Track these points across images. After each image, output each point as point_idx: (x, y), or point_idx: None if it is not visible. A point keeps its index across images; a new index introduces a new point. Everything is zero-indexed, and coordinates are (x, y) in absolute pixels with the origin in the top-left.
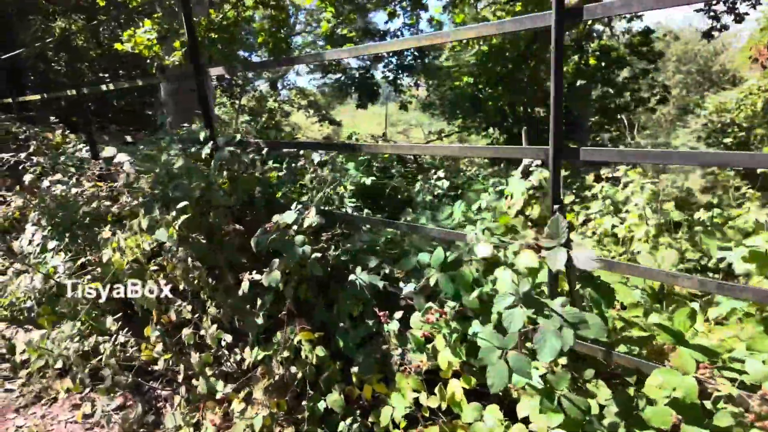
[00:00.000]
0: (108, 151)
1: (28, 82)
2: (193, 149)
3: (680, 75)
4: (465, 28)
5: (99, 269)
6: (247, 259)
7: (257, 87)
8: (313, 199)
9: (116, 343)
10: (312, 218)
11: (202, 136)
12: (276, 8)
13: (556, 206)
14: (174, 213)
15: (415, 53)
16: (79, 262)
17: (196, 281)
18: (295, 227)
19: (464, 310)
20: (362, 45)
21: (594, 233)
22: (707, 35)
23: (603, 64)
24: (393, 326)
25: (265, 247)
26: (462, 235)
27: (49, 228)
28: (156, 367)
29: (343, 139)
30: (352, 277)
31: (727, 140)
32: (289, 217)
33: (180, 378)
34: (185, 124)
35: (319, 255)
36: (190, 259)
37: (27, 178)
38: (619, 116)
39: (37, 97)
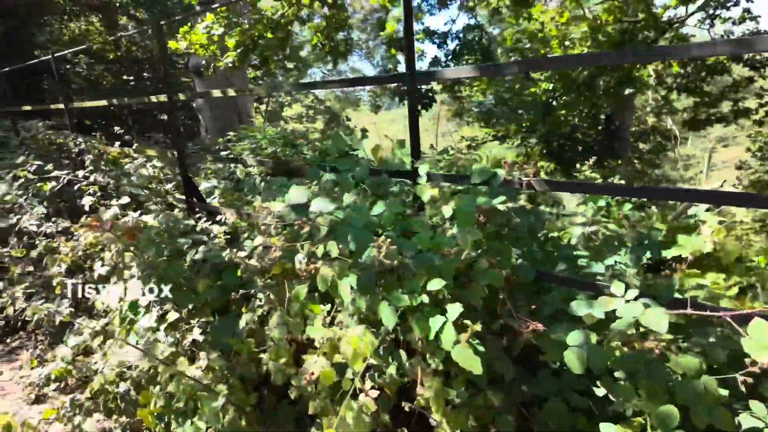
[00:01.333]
0: (296, 195)
1: (44, 85)
2: (390, 187)
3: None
4: None
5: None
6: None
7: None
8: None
9: None
10: None
11: (422, 169)
12: (332, 6)
13: None
14: (426, 298)
15: (480, 58)
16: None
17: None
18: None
19: None
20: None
21: None
22: None
23: (689, 69)
24: None
25: (601, 368)
26: None
27: (146, 279)
28: None
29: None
30: None
31: None
32: (649, 314)
33: None
34: (230, 133)
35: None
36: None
37: (86, 201)
38: (670, 127)
39: (104, 102)
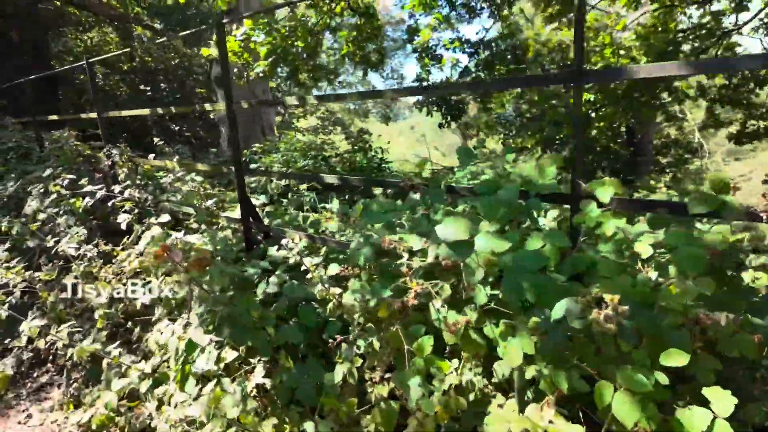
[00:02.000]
0: (453, 229)
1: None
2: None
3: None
4: None
5: None
6: None
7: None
8: None
9: None
10: None
11: (603, 192)
12: (364, 15)
13: None
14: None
15: (512, 67)
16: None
17: None
18: None
19: None
20: None
21: None
22: None
23: (735, 81)
24: None
25: None
26: None
27: (211, 316)
28: None
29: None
30: None
31: None
32: None
33: None
34: (256, 145)
35: None
36: None
37: (122, 219)
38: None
39: (147, 111)
